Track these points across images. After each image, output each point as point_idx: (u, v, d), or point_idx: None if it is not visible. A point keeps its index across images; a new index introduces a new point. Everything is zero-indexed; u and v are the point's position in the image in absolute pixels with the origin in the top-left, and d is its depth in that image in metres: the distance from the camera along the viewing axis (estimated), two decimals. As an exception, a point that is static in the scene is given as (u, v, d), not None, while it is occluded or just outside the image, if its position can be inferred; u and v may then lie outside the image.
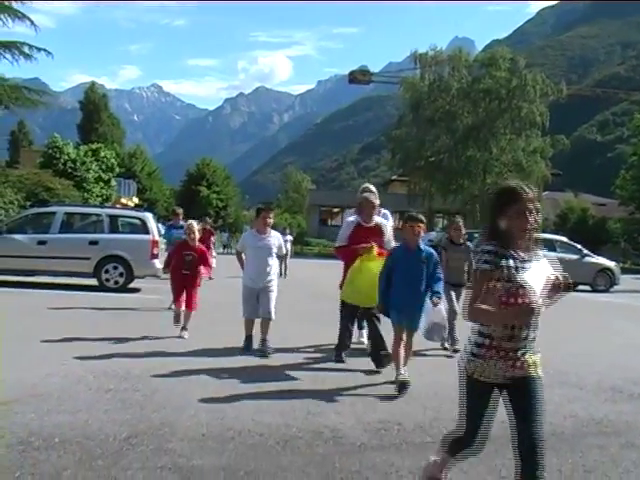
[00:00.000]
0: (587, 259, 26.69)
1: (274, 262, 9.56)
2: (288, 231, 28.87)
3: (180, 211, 17.88)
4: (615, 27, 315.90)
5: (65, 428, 5.41)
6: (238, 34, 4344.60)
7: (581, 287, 26.61)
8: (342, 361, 8.69)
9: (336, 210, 69.99)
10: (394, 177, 70.95)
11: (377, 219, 8.96)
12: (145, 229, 17.39)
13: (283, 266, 25.00)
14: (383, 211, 9.72)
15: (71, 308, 13.13)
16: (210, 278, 19.51)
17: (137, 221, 17.93)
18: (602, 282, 26.64)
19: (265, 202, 11.21)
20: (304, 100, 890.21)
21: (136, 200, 66.16)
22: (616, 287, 26.75)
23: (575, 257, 26.16)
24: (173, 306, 11.79)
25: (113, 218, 17.86)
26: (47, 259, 16.81)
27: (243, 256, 9.66)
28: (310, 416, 6.12)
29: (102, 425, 5.54)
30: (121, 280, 17.01)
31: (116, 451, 4.97)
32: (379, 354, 8.37)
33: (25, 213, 19.47)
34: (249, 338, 9.47)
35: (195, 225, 10.69)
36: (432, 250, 7.79)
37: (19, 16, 30.79)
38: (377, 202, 8.85)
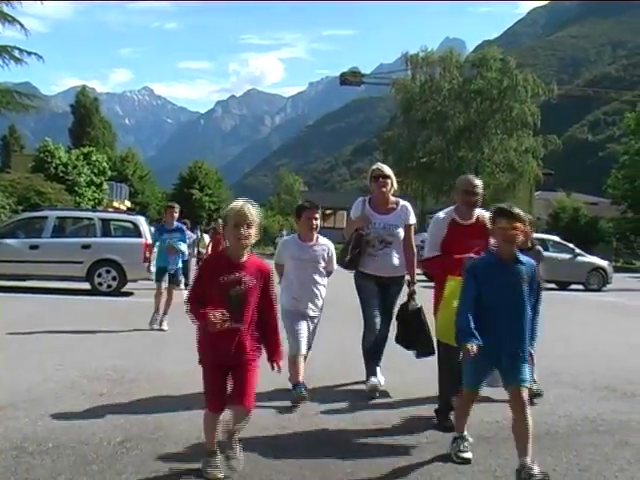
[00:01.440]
0: (580, 258, 26.76)
1: (323, 281, 7.11)
2: (285, 232, 26.86)
3: (176, 207, 12.16)
4: (605, 27, 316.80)
5: (59, 433, 5.40)
6: (229, 36, 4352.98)
7: (574, 286, 26.69)
8: (449, 427, 5.72)
9: (328, 212, 69.96)
10: (386, 178, 70.92)
11: (479, 213, 6.19)
12: (137, 232, 17.37)
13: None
14: (402, 203, 7.35)
15: (64, 313, 13.10)
16: None
17: (129, 224, 17.93)
18: (595, 281, 26.73)
19: (307, 200, 7.92)
20: (296, 102, 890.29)
21: (128, 204, 66.08)
22: (609, 286, 26.85)
23: (568, 256, 26.26)
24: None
25: (105, 222, 17.83)
26: (39, 263, 16.78)
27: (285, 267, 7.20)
28: (305, 418, 6.11)
29: (96, 429, 5.52)
30: (114, 284, 16.99)
31: (110, 455, 4.95)
32: (447, 416, 6.00)
33: (17, 218, 19.45)
34: (299, 387, 6.62)
35: (252, 211, 4.57)
36: (532, 261, 5.15)
37: (9, 20, 30.79)
38: (480, 185, 6.26)
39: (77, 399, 6.49)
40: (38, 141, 49.73)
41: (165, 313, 11.44)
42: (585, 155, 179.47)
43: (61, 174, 42.86)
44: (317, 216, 7.04)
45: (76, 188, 43.23)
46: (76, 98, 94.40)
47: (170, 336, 10.57)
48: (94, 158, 48.94)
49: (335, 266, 7.26)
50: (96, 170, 48.00)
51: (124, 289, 17.28)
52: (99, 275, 16.95)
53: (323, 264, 7.08)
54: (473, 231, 6.05)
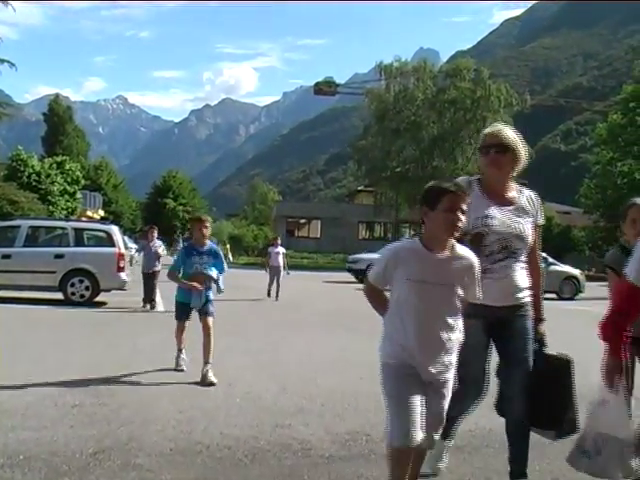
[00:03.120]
0: (553, 267, 26.94)
1: (458, 322, 4.05)
2: (279, 242, 22.63)
3: (207, 219, 8.87)
4: (577, 38, 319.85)
5: (30, 445, 5.34)
6: (203, 45, 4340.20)
7: (547, 295, 26.87)
8: None
9: (303, 221, 70.08)
10: (360, 188, 71.18)
11: None
12: (111, 242, 17.28)
13: (275, 285, 21.07)
14: (527, 191, 4.97)
15: (36, 323, 13.00)
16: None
17: (103, 234, 17.82)
18: (568, 290, 27.02)
19: (450, 182, 4.05)
20: (270, 111, 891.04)
21: (102, 213, 65.88)
22: (581, 295, 27.10)
23: (541, 266, 26.42)
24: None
25: (78, 231, 17.71)
26: (12, 273, 16.61)
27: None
28: (278, 428, 6.09)
29: (68, 441, 5.47)
30: (87, 294, 16.87)
31: (82, 467, 4.91)
32: None
33: (-11, 227, 19.26)
34: None
35: None
36: None
37: (-19, 28, 30.62)
38: None
39: (49, 410, 6.43)
40: (10, 149, 49.44)
41: (207, 362, 8.25)
42: (558, 165, 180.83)
43: (34, 183, 42.66)
44: (465, 208, 3.93)
45: (49, 197, 43.04)
46: (49, 106, 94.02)
47: (142, 347, 10.51)
48: (67, 167, 48.74)
49: (479, 294, 4.11)
50: (69, 179, 47.81)
51: (97, 299, 17.18)
52: (72, 285, 16.82)
53: (460, 291, 3.99)
54: None
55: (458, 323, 4.02)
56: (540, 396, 4.44)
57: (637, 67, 54.21)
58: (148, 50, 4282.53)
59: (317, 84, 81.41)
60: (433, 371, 3.92)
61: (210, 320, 8.55)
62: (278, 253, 21.52)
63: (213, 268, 8.59)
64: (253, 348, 10.51)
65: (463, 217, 3.89)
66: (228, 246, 47.08)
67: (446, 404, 4.10)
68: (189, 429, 5.97)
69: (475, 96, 53.59)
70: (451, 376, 4.05)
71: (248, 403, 6.99)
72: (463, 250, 4.04)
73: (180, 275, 8.66)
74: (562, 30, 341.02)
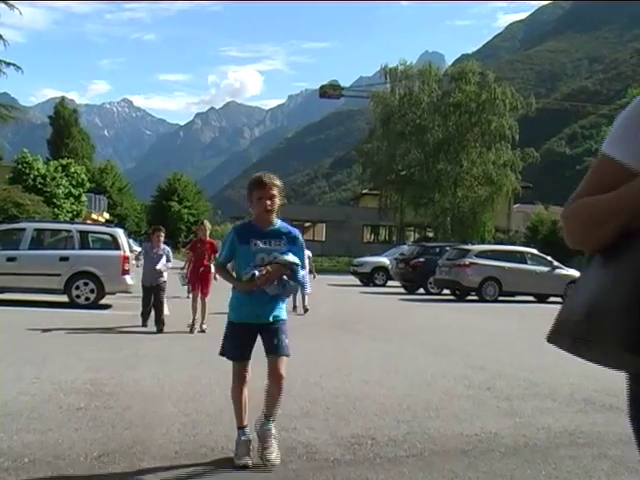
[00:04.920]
0: (558, 271, 26.90)
1: None
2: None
3: (276, 185, 5.26)
4: (582, 41, 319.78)
5: (35, 448, 5.33)
6: (208, 49, 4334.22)
7: (553, 299, 26.83)
8: None
9: (308, 224, 70.08)
10: (365, 191, 71.12)
11: None
12: (116, 245, 17.30)
13: (300, 295, 16.90)
14: None
15: (41, 325, 12.99)
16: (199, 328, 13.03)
17: (108, 237, 17.85)
18: (573, 294, 26.91)
19: None
20: (275, 115, 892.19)
21: (107, 216, 65.92)
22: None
23: (546, 269, 26.42)
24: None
25: (83, 234, 17.72)
26: (17, 276, 16.63)
27: None
28: (283, 432, 6.06)
29: (73, 444, 5.46)
30: (92, 296, 16.87)
31: (87, 470, 4.90)
32: None
33: (-6, 230, 19.28)
34: None
35: None
36: None
37: (-13, 32, 30.68)
38: None
39: (53, 413, 6.42)
40: (16, 152, 49.59)
41: (269, 417, 5.56)
42: (563, 168, 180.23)
43: (39, 186, 42.71)
44: None
45: (54, 200, 43.08)
46: (55, 109, 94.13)
47: (147, 350, 10.51)
48: (73, 170, 48.82)
49: None
50: (74, 182, 47.87)
51: (102, 302, 17.18)
52: (77, 288, 16.83)
53: None
54: None
55: None
56: None
57: (643, 70, 54.08)
58: (153, 53, 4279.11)
59: (322, 87, 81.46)
60: None
61: (283, 364, 5.47)
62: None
63: (290, 254, 5.29)
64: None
65: None
66: None
67: None
68: (194, 432, 5.95)
69: (480, 99, 53.52)
70: None
71: (253, 406, 6.97)
72: None
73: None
74: (567, 33, 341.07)
